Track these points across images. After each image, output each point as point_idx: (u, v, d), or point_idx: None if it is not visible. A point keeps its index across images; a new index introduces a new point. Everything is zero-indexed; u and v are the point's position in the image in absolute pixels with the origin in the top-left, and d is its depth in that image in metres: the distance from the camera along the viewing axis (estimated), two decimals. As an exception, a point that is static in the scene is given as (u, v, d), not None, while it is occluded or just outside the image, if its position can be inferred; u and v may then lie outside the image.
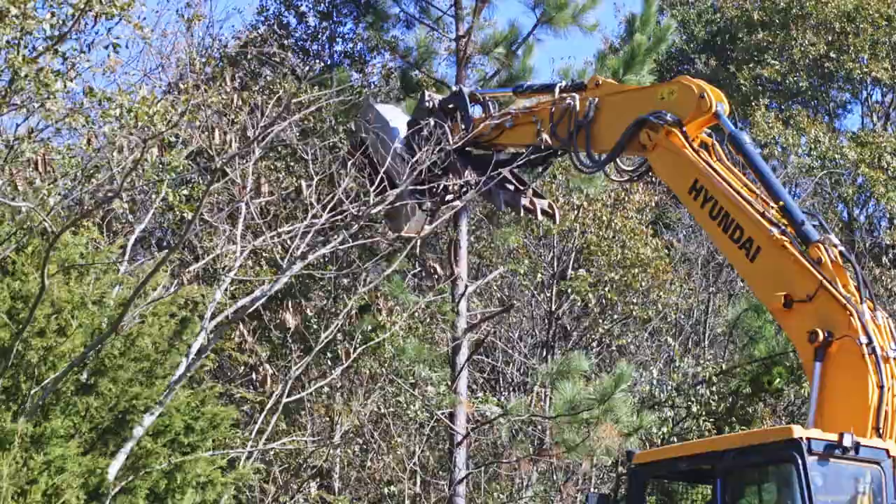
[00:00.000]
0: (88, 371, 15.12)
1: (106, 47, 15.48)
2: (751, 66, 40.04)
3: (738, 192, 15.53)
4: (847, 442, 13.21)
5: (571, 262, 27.39)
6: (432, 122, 18.17)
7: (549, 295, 27.52)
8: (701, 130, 16.45)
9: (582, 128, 17.32)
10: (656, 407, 25.18)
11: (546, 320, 27.67)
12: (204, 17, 20.85)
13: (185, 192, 15.63)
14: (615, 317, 28.64)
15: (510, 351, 27.58)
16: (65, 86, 14.32)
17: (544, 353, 27.03)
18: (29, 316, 13.59)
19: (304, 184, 13.39)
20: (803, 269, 14.74)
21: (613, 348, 29.67)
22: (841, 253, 14.92)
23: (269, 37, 23.39)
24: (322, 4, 23.81)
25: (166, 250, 16.10)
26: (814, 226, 15.18)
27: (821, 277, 14.57)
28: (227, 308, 15.49)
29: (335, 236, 15.27)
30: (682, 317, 30.19)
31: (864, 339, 14.13)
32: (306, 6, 23.99)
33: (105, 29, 15.29)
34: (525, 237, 26.66)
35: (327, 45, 24.03)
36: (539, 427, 24.63)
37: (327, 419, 22.02)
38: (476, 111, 19.15)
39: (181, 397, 15.71)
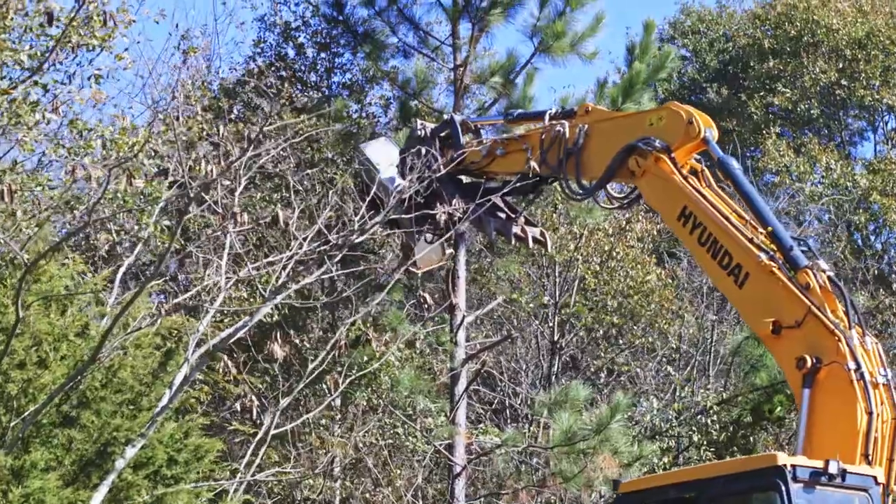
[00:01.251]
0: (71, 403, 15.02)
1: (89, 78, 15.48)
2: (762, 94, 39.91)
3: (727, 218, 15.37)
4: (833, 469, 13.02)
5: (574, 292, 27.21)
6: (423, 151, 18.08)
7: (551, 325, 27.34)
8: (690, 156, 16.26)
9: (572, 155, 17.13)
10: (658, 437, 24.96)
11: (549, 350, 27.49)
12: (198, 51, 20.85)
13: (167, 222, 15.52)
14: (622, 343, 28.43)
15: (510, 383, 27.37)
16: (44, 116, 14.33)
17: (547, 384, 26.83)
18: (5, 348, 13.52)
19: (280, 212, 13.27)
20: (791, 294, 14.55)
21: (623, 377, 29.45)
22: (829, 278, 14.74)
23: (267, 69, 23.37)
24: (320, 36, 23.78)
25: (153, 281, 15.96)
26: (802, 251, 15.02)
27: (809, 303, 14.39)
28: (211, 339, 15.33)
29: (317, 267, 15.16)
30: (686, 346, 29.94)
31: (852, 365, 13.94)
32: (304, 37, 23.97)
33: (87, 60, 15.32)
34: (526, 267, 26.49)
35: (325, 75, 23.99)
36: (541, 458, 24.40)
37: (322, 451, 21.88)
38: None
39: (166, 429, 15.61)
